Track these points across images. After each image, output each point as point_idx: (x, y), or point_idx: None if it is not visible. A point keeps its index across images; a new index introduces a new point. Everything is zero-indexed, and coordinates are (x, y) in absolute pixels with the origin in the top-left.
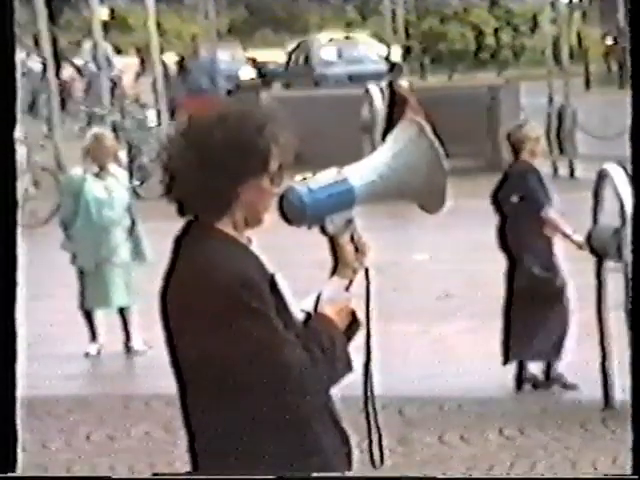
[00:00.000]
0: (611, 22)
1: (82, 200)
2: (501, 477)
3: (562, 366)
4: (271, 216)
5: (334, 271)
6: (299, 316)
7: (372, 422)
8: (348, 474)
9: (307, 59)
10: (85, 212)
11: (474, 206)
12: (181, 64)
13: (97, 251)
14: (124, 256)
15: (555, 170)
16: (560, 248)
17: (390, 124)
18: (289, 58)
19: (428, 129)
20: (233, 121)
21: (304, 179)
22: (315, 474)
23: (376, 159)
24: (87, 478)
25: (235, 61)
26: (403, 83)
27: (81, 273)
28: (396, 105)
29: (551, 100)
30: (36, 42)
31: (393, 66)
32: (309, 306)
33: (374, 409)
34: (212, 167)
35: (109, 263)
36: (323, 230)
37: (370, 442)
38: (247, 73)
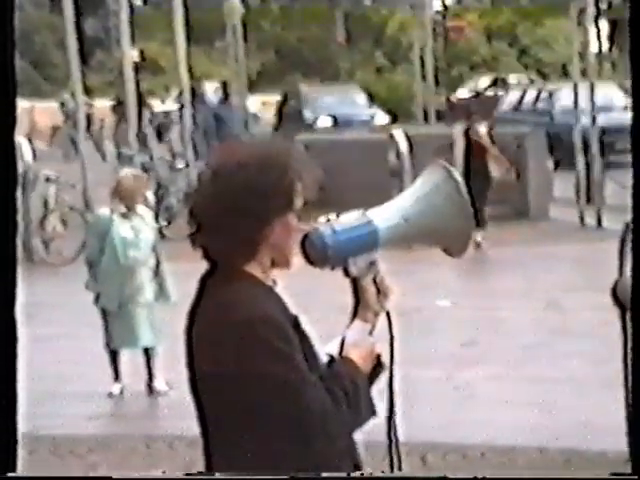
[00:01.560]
0: None
1: (108, 240)
2: None
3: (587, 418)
4: (298, 259)
5: (355, 313)
6: (323, 359)
7: (395, 468)
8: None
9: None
10: (111, 252)
11: (498, 253)
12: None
13: (122, 291)
14: (149, 296)
15: (582, 219)
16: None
17: (468, 171)
18: None
19: (455, 173)
20: (254, 164)
21: (328, 220)
22: None
23: (401, 202)
24: (87, 478)
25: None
26: (481, 129)
27: (105, 313)
28: (473, 152)
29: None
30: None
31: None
32: (333, 349)
33: (398, 455)
34: (236, 213)
35: (133, 303)
36: (346, 272)
37: None
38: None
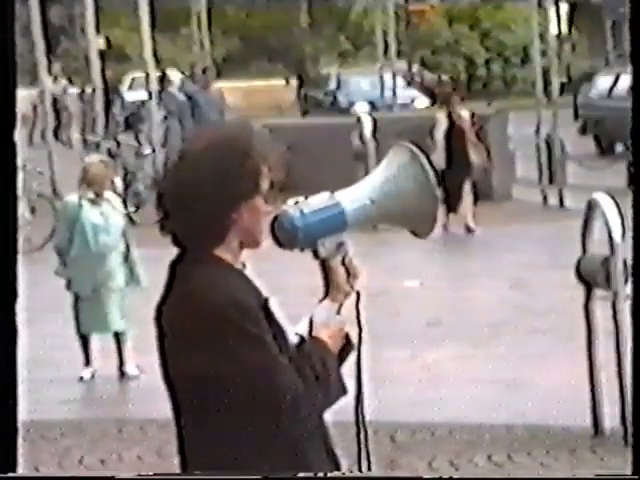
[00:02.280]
0: (600, 54)
1: (78, 226)
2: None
3: (551, 395)
4: (266, 241)
5: (325, 295)
6: (293, 340)
7: (363, 447)
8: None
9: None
10: (81, 238)
11: (460, 232)
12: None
13: (93, 276)
14: (120, 281)
15: (545, 199)
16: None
17: (449, 154)
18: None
19: (420, 155)
20: (218, 149)
21: (296, 203)
22: None
23: (368, 183)
24: (88, 478)
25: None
26: (463, 113)
27: (76, 298)
28: (454, 136)
29: (538, 130)
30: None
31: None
32: (303, 329)
33: (365, 434)
34: (203, 198)
35: (105, 288)
36: (315, 254)
37: (360, 467)
38: None
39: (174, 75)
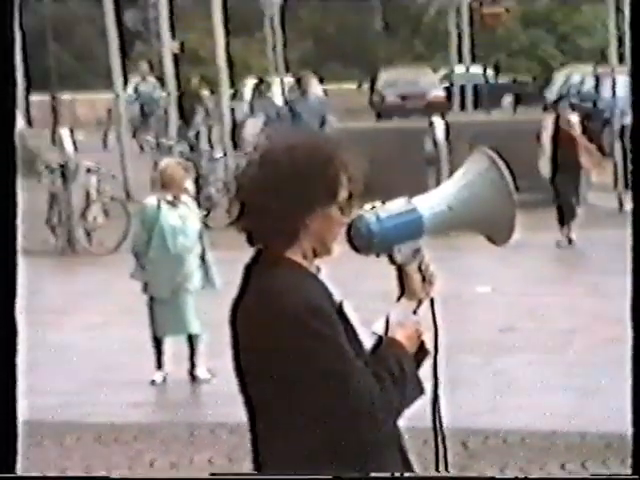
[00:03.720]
0: None
1: (157, 228)
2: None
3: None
4: (340, 246)
5: (399, 300)
6: (368, 342)
7: (440, 452)
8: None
9: None
10: (160, 240)
11: (534, 239)
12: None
13: (172, 279)
14: (197, 284)
15: (621, 204)
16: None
17: (555, 161)
18: None
19: (499, 161)
20: (302, 151)
21: (373, 207)
22: None
23: (446, 190)
24: (87, 478)
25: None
26: (572, 118)
27: (152, 301)
28: (561, 142)
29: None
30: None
31: (558, 100)
32: (379, 329)
33: (443, 440)
34: (280, 198)
35: (183, 290)
36: (391, 259)
37: (437, 470)
38: None
39: (274, 82)
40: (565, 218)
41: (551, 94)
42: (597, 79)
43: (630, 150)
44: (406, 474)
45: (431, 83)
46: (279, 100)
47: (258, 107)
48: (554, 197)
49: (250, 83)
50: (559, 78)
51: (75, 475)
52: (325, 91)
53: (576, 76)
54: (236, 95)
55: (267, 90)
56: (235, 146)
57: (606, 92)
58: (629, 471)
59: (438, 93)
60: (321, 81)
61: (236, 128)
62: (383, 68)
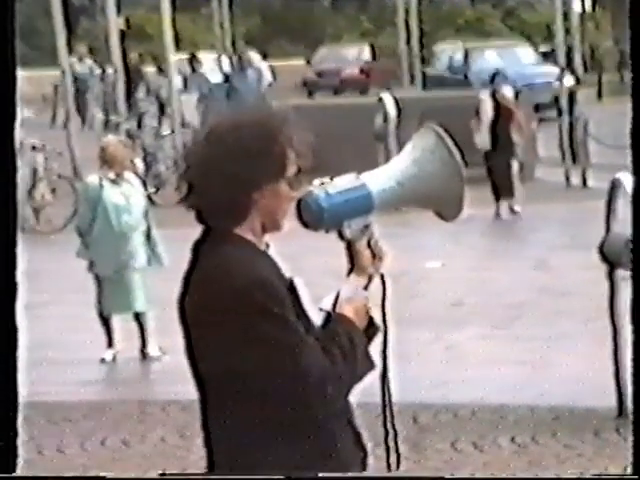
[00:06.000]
0: (623, 32)
1: (100, 207)
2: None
3: (575, 376)
4: (289, 222)
5: (349, 276)
6: (318, 317)
7: (389, 427)
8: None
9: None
10: (103, 218)
11: (482, 215)
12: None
13: (116, 257)
14: (142, 261)
15: (568, 179)
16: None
17: (494, 135)
18: None
19: (447, 137)
20: (247, 128)
21: (322, 184)
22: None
23: (394, 166)
24: (86, 478)
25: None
26: (507, 93)
27: (98, 279)
28: (500, 116)
29: (561, 110)
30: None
31: (494, 75)
32: (328, 305)
33: (392, 415)
34: (228, 174)
35: (128, 268)
36: (340, 235)
37: (387, 447)
38: None
39: (206, 57)
40: (500, 192)
41: (436, 70)
42: (466, 53)
43: (630, 148)
44: (396, 473)
45: (353, 60)
46: (215, 77)
47: (191, 83)
48: (487, 172)
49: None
50: (441, 54)
51: (74, 475)
52: (272, 67)
53: (447, 51)
54: (162, 70)
55: (199, 66)
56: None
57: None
58: (577, 443)
59: (352, 70)
60: (264, 57)
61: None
62: (327, 45)
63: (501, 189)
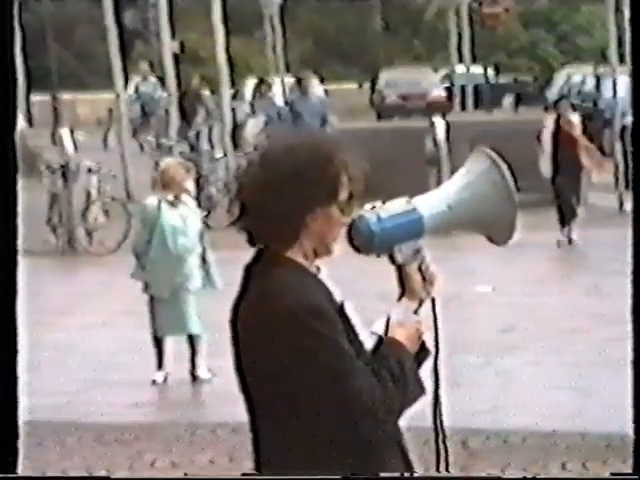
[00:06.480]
0: None
1: (158, 228)
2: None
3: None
4: (340, 245)
5: (400, 300)
6: (369, 341)
7: (440, 452)
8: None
9: None
10: (160, 240)
11: (534, 239)
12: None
13: (172, 278)
14: (197, 283)
15: (621, 204)
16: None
17: (555, 162)
18: None
19: (500, 161)
20: (303, 151)
21: (373, 207)
22: None
23: (446, 190)
24: (86, 478)
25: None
26: (574, 119)
27: (153, 301)
28: (562, 142)
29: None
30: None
31: (558, 101)
32: (379, 329)
33: (444, 440)
34: (281, 197)
35: (184, 290)
36: (391, 259)
37: (437, 470)
38: None
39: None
40: (566, 218)
41: (552, 94)
42: (598, 79)
43: (630, 150)
44: (407, 474)
45: (432, 83)
46: (280, 100)
47: (259, 107)
48: (554, 197)
49: (251, 83)
50: (560, 78)
51: (75, 475)
52: (326, 91)
53: (577, 76)
54: (237, 95)
55: (268, 90)
56: (235, 146)
57: (607, 92)
58: (628, 470)
59: (439, 93)
60: (322, 81)
61: (236, 128)
62: (383, 68)
63: (566, 215)
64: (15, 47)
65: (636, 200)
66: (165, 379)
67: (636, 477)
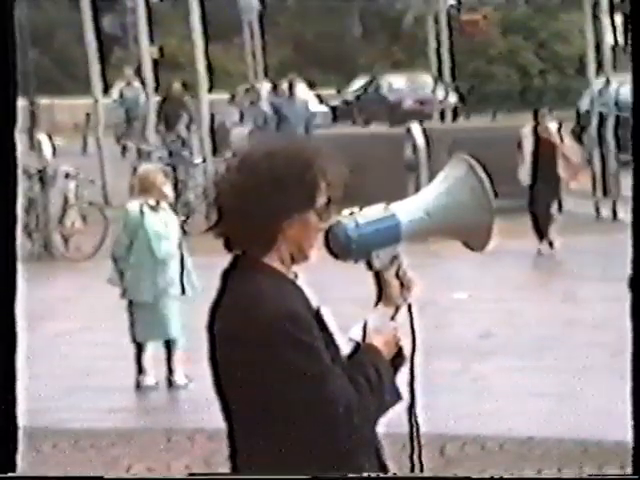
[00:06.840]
0: None
1: (140, 233)
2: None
3: (603, 408)
4: (318, 251)
5: (377, 306)
6: (345, 347)
7: (416, 458)
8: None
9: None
10: (143, 245)
11: (511, 246)
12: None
13: (155, 284)
14: (179, 289)
15: (598, 211)
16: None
17: (535, 171)
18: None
19: (478, 167)
20: (281, 156)
21: (351, 213)
22: None
23: (424, 196)
24: (85, 478)
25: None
26: (551, 126)
27: (132, 306)
28: (541, 150)
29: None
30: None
31: (536, 110)
32: (357, 335)
33: (419, 446)
34: (258, 203)
35: (166, 295)
36: (369, 265)
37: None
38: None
39: (263, 87)
40: (540, 226)
41: (584, 104)
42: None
43: (631, 152)
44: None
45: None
46: (266, 106)
47: (248, 114)
48: (529, 204)
49: (241, 90)
50: (595, 87)
51: (73, 475)
52: (319, 96)
53: (612, 85)
54: (234, 99)
55: (258, 98)
56: (215, 151)
57: None
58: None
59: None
60: (310, 86)
61: (220, 133)
62: (361, 74)
63: (540, 223)
64: (15, 48)
65: (636, 203)
66: (157, 383)
67: (636, 477)
